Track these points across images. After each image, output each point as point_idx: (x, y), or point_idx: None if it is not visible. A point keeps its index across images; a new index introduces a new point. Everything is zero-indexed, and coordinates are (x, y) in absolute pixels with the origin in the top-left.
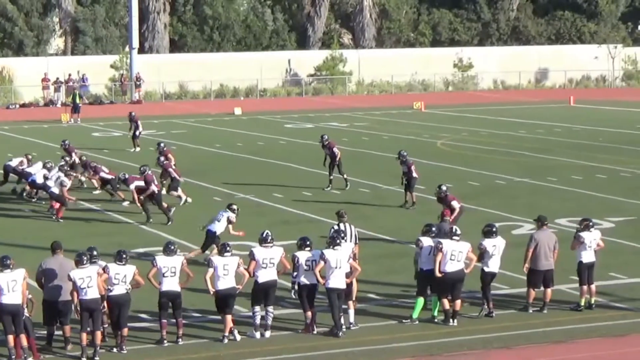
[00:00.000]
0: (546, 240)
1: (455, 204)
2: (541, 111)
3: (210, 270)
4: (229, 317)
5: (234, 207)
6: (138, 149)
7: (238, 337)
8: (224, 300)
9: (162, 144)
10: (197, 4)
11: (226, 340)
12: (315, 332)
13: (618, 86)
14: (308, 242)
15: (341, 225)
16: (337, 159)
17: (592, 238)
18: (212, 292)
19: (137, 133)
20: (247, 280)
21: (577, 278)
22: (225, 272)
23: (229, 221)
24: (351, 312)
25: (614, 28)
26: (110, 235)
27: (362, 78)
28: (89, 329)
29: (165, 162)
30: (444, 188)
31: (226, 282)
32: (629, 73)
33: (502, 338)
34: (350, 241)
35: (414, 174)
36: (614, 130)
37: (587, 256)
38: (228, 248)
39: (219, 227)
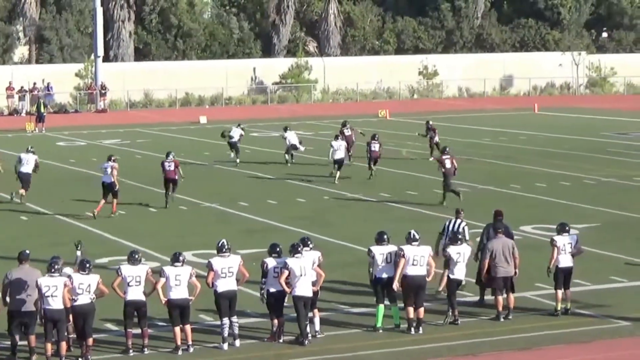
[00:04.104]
0: (501, 247)
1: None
2: (505, 119)
3: (162, 279)
4: (188, 327)
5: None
6: None
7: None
8: (178, 311)
9: None
10: (162, 12)
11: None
12: (281, 340)
13: (582, 93)
14: (277, 249)
15: (452, 220)
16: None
17: (565, 242)
18: (163, 302)
19: None
20: (200, 290)
21: (543, 285)
22: (177, 282)
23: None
24: (316, 320)
25: (577, 35)
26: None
27: (327, 86)
28: (53, 339)
29: None
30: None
31: (178, 292)
32: (593, 80)
33: (467, 345)
34: (465, 240)
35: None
36: (577, 137)
37: (564, 260)
38: (180, 258)
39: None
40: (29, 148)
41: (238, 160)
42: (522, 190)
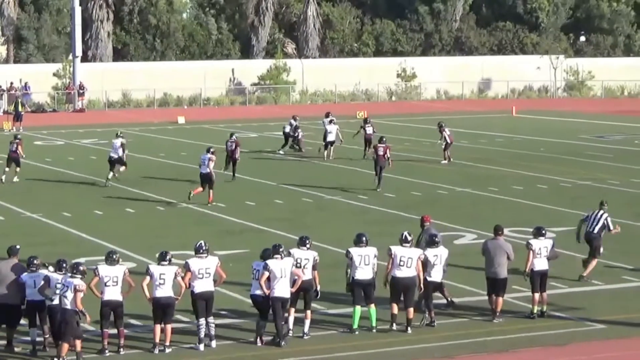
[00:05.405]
0: (492, 249)
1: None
2: (483, 121)
3: (147, 278)
4: (169, 327)
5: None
6: None
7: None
8: (161, 309)
9: None
10: (141, 12)
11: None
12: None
13: (560, 96)
14: (267, 253)
15: (596, 211)
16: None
17: (541, 245)
18: (148, 299)
19: None
20: (185, 290)
21: (520, 288)
22: (162, 281)
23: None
24: (307, 322)
25: (555, 39)
26: (53, 245)
27: (305, 87)
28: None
29: None
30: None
31: (163, 291)
32: (571, 83)
33: (443, 347)
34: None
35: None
36: (555, 140)
37: (539, 264)
38: (167, 257)
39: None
40: (118, 133)
41: (282, 151)
42: (499, 193)
